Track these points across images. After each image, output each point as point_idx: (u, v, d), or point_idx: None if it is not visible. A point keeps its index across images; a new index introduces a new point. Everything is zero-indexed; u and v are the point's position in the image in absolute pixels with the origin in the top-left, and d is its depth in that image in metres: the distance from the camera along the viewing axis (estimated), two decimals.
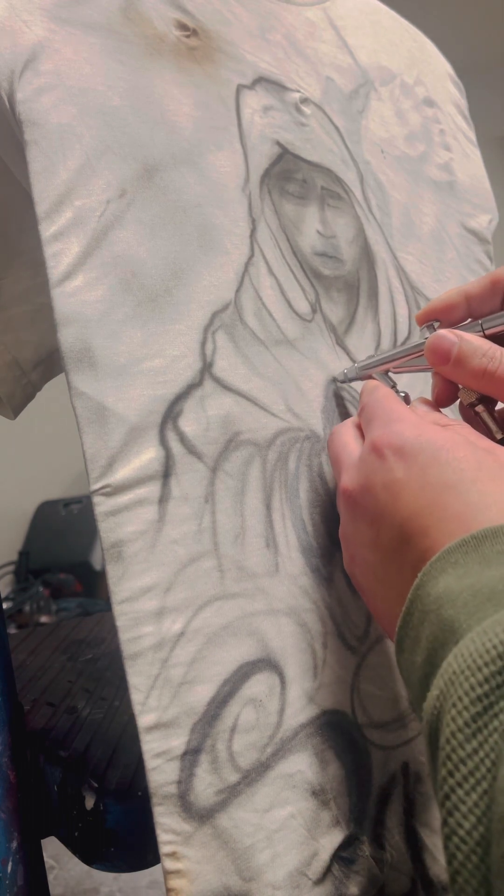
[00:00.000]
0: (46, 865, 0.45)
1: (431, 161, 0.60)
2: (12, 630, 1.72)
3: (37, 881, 0.43)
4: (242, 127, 0.44)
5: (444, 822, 0.21)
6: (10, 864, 0.41)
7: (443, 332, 0.36)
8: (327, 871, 0.34)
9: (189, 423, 0.35)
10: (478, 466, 0.30)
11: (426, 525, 0.30)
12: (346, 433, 0.38)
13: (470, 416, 0.38)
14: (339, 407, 0.43)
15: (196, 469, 0.35)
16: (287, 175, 0.45)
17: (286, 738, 0.34)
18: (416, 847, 0.38)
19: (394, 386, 0.41)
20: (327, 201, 0.48)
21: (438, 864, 0.38)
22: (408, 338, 0.50)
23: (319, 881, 0.33)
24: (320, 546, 0.38)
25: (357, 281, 0.48)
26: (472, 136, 0.67)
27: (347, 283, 0.47)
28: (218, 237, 0.39)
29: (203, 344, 0.37)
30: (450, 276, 0.57)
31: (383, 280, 0.50)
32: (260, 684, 0.34)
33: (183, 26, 0.43)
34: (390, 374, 0.42)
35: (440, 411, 0.38)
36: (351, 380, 0.43)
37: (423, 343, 0.37)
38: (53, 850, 0.96)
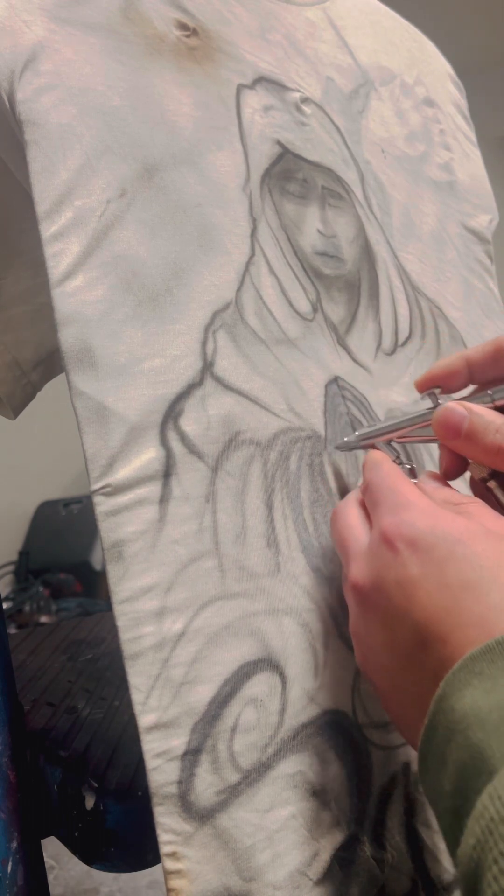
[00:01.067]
0: (46, 865, 0.45)
1: (432, 161, 0.60)
2: (12, 630, 1.72)
3: (37, 881, 0.43)
4: (243, 126, 0.44)
5: None
6: (10, 864, 0.41)
7: (452, 405, 0.34)
8: (328, 871, 0.34)
9: (190, 423, 0.35)
10: (498, 563, 0.28)
11: (445, 631, 0.28)
12: (351, 514, 0.35)
13: (482, 490, 0.36)
14: (340, 407, 0.43)
15: (197, 469, 0.35)
16: (288, 175, 0.45)
17: (287, 738, 0.34)
18: (416, 847, 0.38)
19: (398, 457, 0.39)
20: (328, 201, 0.48)
21: (439, 865, 0.38)
22: (409, 338, 0.50)
23: (320, 881, 0.33)
24: (322, 546, 0.38)
25: (358, 280, 0.48)
26: (472, 136, 0.67)
27: (348, 282, 0.47)
28: (218, 237, 0.39)
29: (204, 343, 0.37)
30: (450, 275, 0.57)
31: (384, 279, 0.50)
32: (261, 684, 0.34)
33: (183, 26, 0.43)
34: (393, 444, 0.40)
35: (449, 485, 0.36)
36: (351, 448, 0.41)
37: (429, 413, 0.36)
38: (53, 850, 0.96)
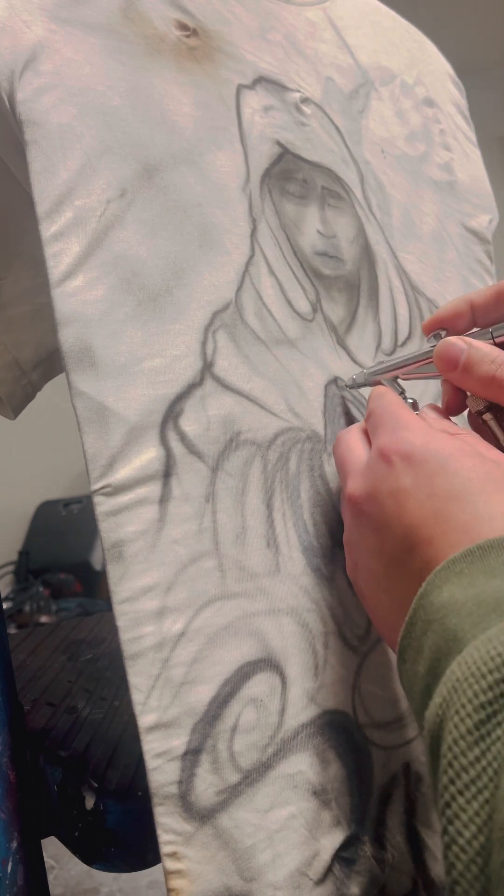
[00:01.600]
0: (46, 865, 0.45)
1: (432, 161, 0.60)
2: (12, 630, 1.72)
3: (37, 881, 0.43)
4: (243, 127, 0.44)
5: (444, 831, 0.20)
6: (10, 864, 0.41)
7: (452, 338, 0.36)
8: (328, 871, 0.34)
9: (190, 423, 0.35)
10: (486, 477, 0.30)
11: (431, 535, 0.29)
12: (352, 438, 0.37)
13: (478, 424, 0.37)
14: (340, 406, 0.43)
15: (197, 469, 0.35)
16: (287, 175, 0.45)
17: (287, 738, 0.34)
18: (417, 847, 0.38)
19: (402, 392, 0.41)
20: (328, 201, 0.48)
21: (440, 865, 0.38)
22: (408, 338, 0.50)
23: (320, 881, 0.33)
24: (321, 546, 0.38)
25: (358, 280, 0.48)
26: (472, 136, 0.67)
27: (348, 282, 0.47)
28: (218, 237, 0.39)
29: (204, 343, 0.37)
30: (450, 275, 0.57)
31: (384, 280, 0.50)
32: (261, 684, 0.34)
33: (183, 26, 0.43)
34: (399, 380, 0.42)
35: (450, 419, 0.38)
36: (359, 385, 0.43)
37: (433, 350, 0.37)
38: (53, 850, 0.96)
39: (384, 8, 0.64)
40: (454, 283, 0.57)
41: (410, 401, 0.40)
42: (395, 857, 0.36)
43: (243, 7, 0.48)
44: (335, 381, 0.43)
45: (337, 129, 0.51)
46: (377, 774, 0.37)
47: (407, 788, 0.38)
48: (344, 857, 0.34)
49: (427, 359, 0.39)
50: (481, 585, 0.25)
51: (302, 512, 0.38)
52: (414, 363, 0.40)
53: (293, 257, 0.44)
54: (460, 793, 0.20)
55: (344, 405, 0.43)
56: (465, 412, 0.39)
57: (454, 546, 0.28)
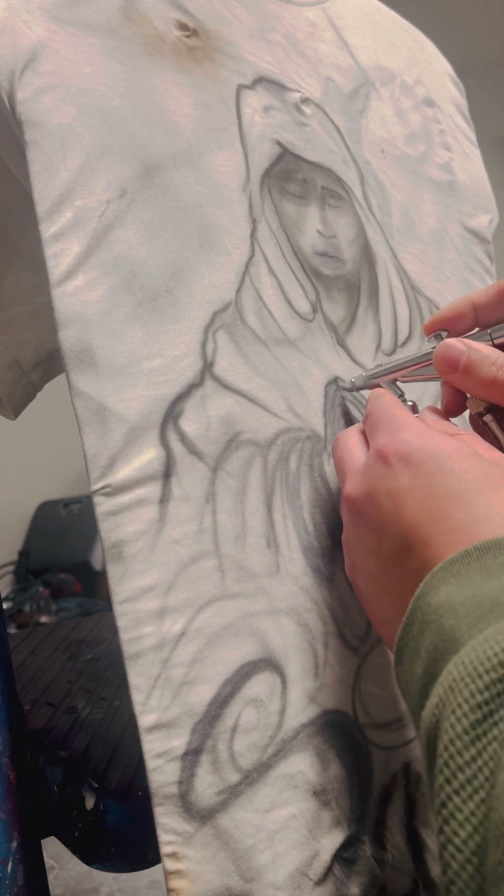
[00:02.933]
0: (46, 865, 0.45)
1: (432, 161, 0.60)
2: (12, 630, 1.72)
3: (37, 881, 0.43)
4: (243, 127, 0.44)
5: (440, 831, 0.20)
6: (10, 864, 0.41)
7: (451, 340, 0.36)
8: (328, 871, 0.34)
9: (190, 423, 0.35)
10: (483, 478, 0.30)
11: (428, 535, 0.29)
12: (351, 439, 0.37)
13: (479, 426, 0.37)
14: (340, 407, 0.43)
15: (197, 469, 0.35)
16: (287, 175, 0.45)
17: (287, 738, 0.34)
18: (417, 847, 0.38)
19: (401, 395, 0.41)
20: (328, 201, 0.48)
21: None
22: (409, 338, 0.50)
23: (320, 881, 0.33)
24: (321, 546, 0.38)
25: (358, 281, 0.48)
26: (473, 136, 0.67)
27: (348, 282, 0.47)
28: (218, 237, 0.39)
29: (204, 344, 0.37)
30: (450, 275, 0.57)
31: (384, 280, 0.50)
32: (261, 684, 0.34)
33: (183, 26, 0.43)
34: (398, 383, 0.42)
35: (449, 420, 0.38)
36: (358, 388, 0.43)
37: (432, 352, 0.37)
38: (53, 850, 0.96)
39: (384, 8, 0.64)
40: (454, 283, 0.57)
41: (409, 403, 0.40)
42: (395, 857, 0.36)
43: (243, 7, 0.48)
44: (335, 380, 0.43)
45: (337, 129, 0.51)
46: (377, 774, 0.37)
47: (407, 788, 0.38)
48: (344, 857, 0.34)
49: (426, 361, 0.39)
50: (478, 586, 0.25)
51: (302, 512, 0.38)
52: (413, 365, 0.40)
53: (293, 257, 0.44)
54: (456, 792, 0.20)
55: (344, 405, 0.43)
56: (465, 413, 0.39)
57: (452, 546, 0.28)
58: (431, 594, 0.27)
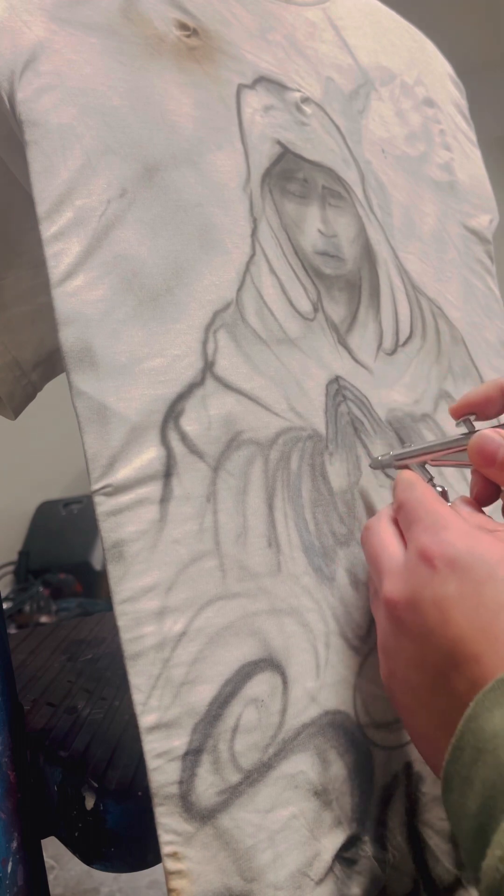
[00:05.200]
0: (46, 865, 0.45)
1: (432, 161, 0.60)
2: (12, 630, 1.72)
3: (37, 881, 0.43)
4: (243, 126, 0.44)
5: None
6: (10, 864, 0.41)
7: (488, 432, 0.35)
8: (329, 871, 0.34)
9: (191, 423, 0.35)
10: None
11: (479, 651, 0.27)
12: (384, 529, 0.35)
13: None
14: (341, 407, 0.43)
15: (198, 468, 0.35)
16: (288, 174, 0.45)
17: (288, 738, 0.34)
18: (418, 847, 0.38)
19: (430, 479, 0.39)
20: (328, 200, 0.48)
21: (440, 865, 0.38)
22: (409, 338, 0.50)
23: (321, 881, 0.33)
24: (323, 545, 0.38)
25: (359, 280, 0.48)
26: (473, 136, 0.67)
27: (349, 282, 0.47)
28: (219, 236, 0.39)
29: (204, 343, 0.37)
30: (451, 275, 0.57)
31: (385, 279, 0.50)
32: (262, 684, 0.34)
33: (183, 26, 0.43)
34: (427, 466, 0.40)
35: (483, 512, 0.36)
36: (385, 466, 0.41)
37: (464, 439, 0.36)
38: (53, 850, 0.95)
39: (384, 8, 0.64)
40: (455, 283, 0.57)
41: (440, 489, 0.38)
42: (395, 857, 0.36)
43: (243, 7, 0.48)
44: (336, 380, 0.43)
45: (337, 128, 0.51)
46: (378, 774, 0.37)
47: (408, 788, 0.38)
48: (345, 857, 0.34)
49: (459, 447, 0.37)
50: None
51: (303, 511, 0.38)
52: (444, 450, 0.38)
53: (294, 257, 0.44)
54: None
55: (345, 404, 0.43)
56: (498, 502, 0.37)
57: None
58: (484, 717, 0.25)
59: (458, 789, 0.26)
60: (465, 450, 0.36)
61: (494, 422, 0.38)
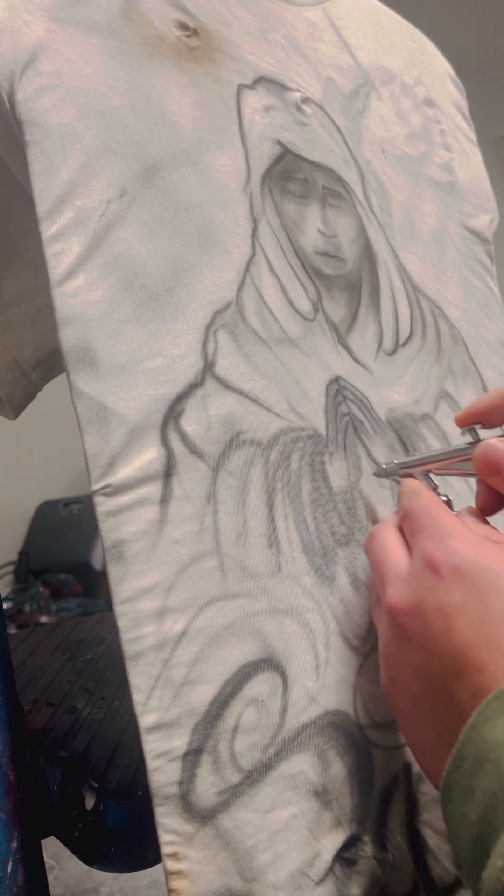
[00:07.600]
0: (46, 865, 0.45)
1: (432, 161, 0.60)
2: (12, 630, 1.72)
3: (37, 881, 0.43)
4: (243, 126, 0.44)
5: None
6: (10, 864, 0.41)
7: (494, 442, 0.34)
8: (329, 871, 0.34)
9: (191, 423, 0.35)
10: None
11: (483, 660, 0.27)
12: (389, 537, 0.35)
13: None
14: (342, 407, 0.43)
15: (198, 469, 0.35)
16: (288, 174, 0.45)
17: (288, 738, 0.34)
18: (418, 847, 0.38)
19: (435, 488, 0.38)
20: (329, 201, 0.48)
21: (440, 865, 0.38)
22: (410, 338, 0.50)
23: (321, 882, 0.33)
24: (323, 546, 0.38)
25: (359, 280, 0.48)
26: (473, 136, 0.67)
27: (349, 282, 0.47)
28: (219, 236, 0.39)
29: (205, 343, 0.37)
30: (451, 275, 0.57)
31: (385, 279, 0.50)
32: (262, 684, 0.34)
33: (183, 26, 0.43)
34: (431, 475, 0.40)
35: (488, 522, 0.36)
36: (389, 475, 0.41)
37: (469, 448, 0.36)
38: (53, 850, 0.96)
39: (384, 8, 0.64)
40: (455, 283, 0.57)
41: (444, 497, 0.38)
42: (395, 858, 0.36)
43: (243, 7, 0.48)
44: (337, 380, 0.43)
45: (337, 128, 0.51)
46: (378, 775, 0.37)
47: (408, 788, 0.38)
48: (345, 857, 0.34)
49: (464, 456, 0.37)
50: None
51: (304, 511, 0.38)
52: (449, 459, 0.38)
53: (294, 257, 0.44)
54: None
55: (345, 404, 0.43)
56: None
57: None
58: (486, 727, 0.25)
59: (459, 799, 0.25)
60: (470, 459, 0.36)
61: (499, 431, 0.38)
